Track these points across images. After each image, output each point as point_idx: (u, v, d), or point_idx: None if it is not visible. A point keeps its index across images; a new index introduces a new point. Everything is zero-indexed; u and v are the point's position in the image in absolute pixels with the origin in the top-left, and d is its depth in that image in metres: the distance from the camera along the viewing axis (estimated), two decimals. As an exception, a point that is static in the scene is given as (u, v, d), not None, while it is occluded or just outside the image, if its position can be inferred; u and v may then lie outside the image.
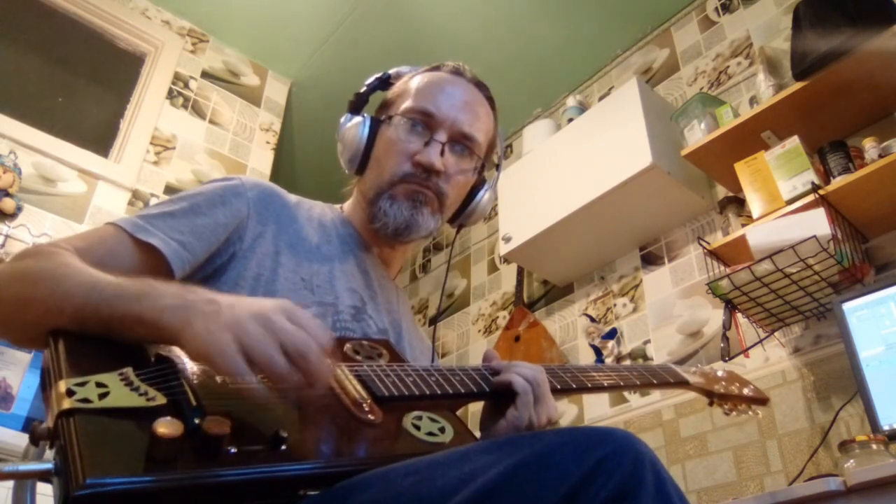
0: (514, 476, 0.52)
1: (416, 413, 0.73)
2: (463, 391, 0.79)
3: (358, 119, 1.05)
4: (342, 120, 1.08)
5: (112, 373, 0.60)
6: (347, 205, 1.12)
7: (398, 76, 1.11)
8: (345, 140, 1.06)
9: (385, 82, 1.11)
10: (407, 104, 1.02)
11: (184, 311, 0.64)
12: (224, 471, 0.55)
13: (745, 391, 1.15)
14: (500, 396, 0.83)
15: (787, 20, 2.25)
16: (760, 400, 1.17)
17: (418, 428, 0.71)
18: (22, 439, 1.85)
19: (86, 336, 0.66)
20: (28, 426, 1.89)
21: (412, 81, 1.07)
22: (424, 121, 1.00)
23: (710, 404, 1.13)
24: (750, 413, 1.15)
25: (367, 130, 1.03)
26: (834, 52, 1.87)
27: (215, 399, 0.62)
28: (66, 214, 2.36)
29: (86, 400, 0.55)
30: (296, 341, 0.62)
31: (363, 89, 1.10)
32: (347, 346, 0.84)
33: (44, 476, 0.54)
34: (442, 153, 0.99)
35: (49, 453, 0.56)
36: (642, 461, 0.53)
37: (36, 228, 2.24)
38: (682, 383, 1.07)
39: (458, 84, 1.06)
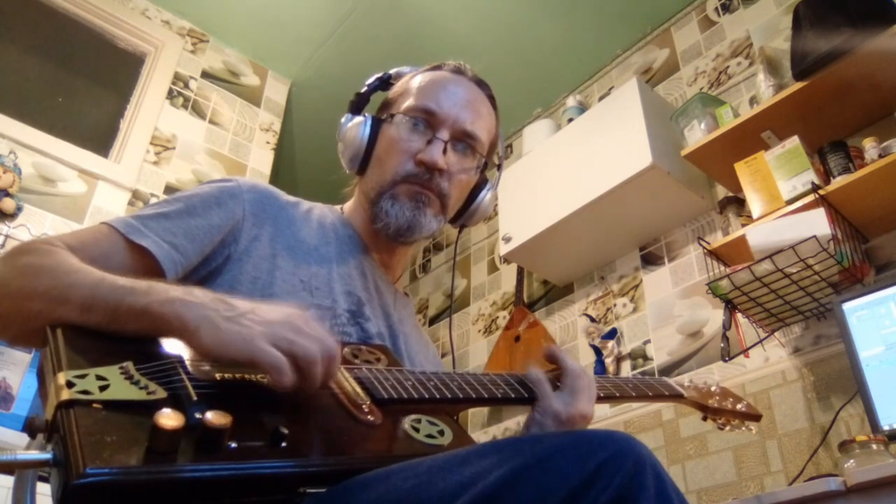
0: (515, 480, 0.52)
1: (414, 416, 0.73)
2: (461, 396, 0.79)
3: (359, 119, 1.05)
4: (343, 120, 1.07)
5: (112, 366, 0.60)
6: (348, 206, 1.11)
7: (399, 76, 1.10)
8: (346, 139, 1.05)
9: (386, 82, 1.11)
10: (408, 103, 1.02)
11: (193, 309, 0.65)
12: (224, 465, 0.55)
13: (739, 407, 1.15)
14: (499, 403, 0.84)
15: (787, 20, 2.25)
16: (753, 416, 1.17)
17: (417, 430, 0.71)
18: (22, 439, 1.85)
19: (85, 330, 0.66)
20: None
21: (413, 80, 1.06)
22: (426, 119, 1.00)
23: (704, 419, 1.13)
24: (743, 428, 1.16)
25: (368, 130, 1.03)
26: (834, 52, 1.87)
27: (216, 394, 0.62)
28: (66, 214, 2.36)
29: (86, 392, 0.55)
30: (319, 343, 0.65)
31: (364, 89, 1.10)
32: (346, 349, 0.84)
33: (42, 466, 0.54)
34: (444, 151, 0.99)
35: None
36: (643, 465, 0.53)
37: (36, 228, 2.24)
38: (677, 397, 1.07)
39: (460, 82, 1.05)
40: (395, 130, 1.01)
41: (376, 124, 1.04)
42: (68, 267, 0.72)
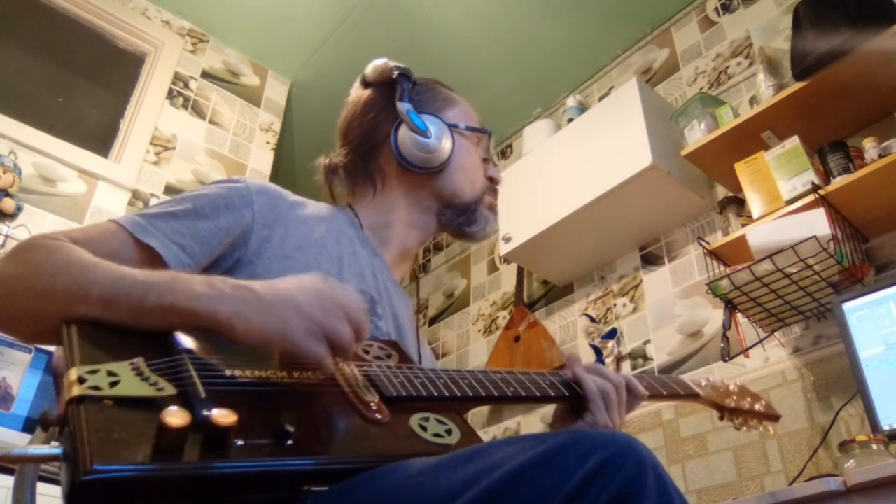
0: (517, 479, 0.52)
1: (422, 414, 0.73)
2: (471, 394, 0.79)
3: (438, 121, 1.07)
4: (404, 108, 1.04)
5: (124, 362, 0.60)
6: (361, 205, 1.09)
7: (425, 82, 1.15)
8: (430, 141, 1.04)
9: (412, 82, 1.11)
10: (469, 121, 1.12)
11: (222, 303, 0.68)
12: (229, 463, 0.55)
13: (757, 406, 1.13)
14: (509, 402, 0.84)
15: (787, 20, 2.26)
16: (772, 416, 1.15)
17: (425, 429, 0.71)
18: (22, 439, 1.85)
19: (99, 325, 0.66)
20: (28, 426, 1.89)
21: (454, 94, 1.16)
22: (483, 140, 1.16)
23: (721, 418, 1.11)
24: (761, 429, 1.13)
25: (452, 139, 1.08)
26: (834, 52, 1.87)
27: (224, 392, 0.62)
28: (66, 214, 2.36)
29: (96, 388, 0.56)
30: (348, 309, 0.70)
31: (405, 85, 1.06)
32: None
33: (52, 460, 0.55)
34: None
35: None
36: (644, 465, 0.53)
37: (36, 228, 2.24)
38: (693, 396, 1.05)
39: None
40: (475, 145, 1.13)
41: (449, 130, 1.09)
42: (84, 262, 0.71)
